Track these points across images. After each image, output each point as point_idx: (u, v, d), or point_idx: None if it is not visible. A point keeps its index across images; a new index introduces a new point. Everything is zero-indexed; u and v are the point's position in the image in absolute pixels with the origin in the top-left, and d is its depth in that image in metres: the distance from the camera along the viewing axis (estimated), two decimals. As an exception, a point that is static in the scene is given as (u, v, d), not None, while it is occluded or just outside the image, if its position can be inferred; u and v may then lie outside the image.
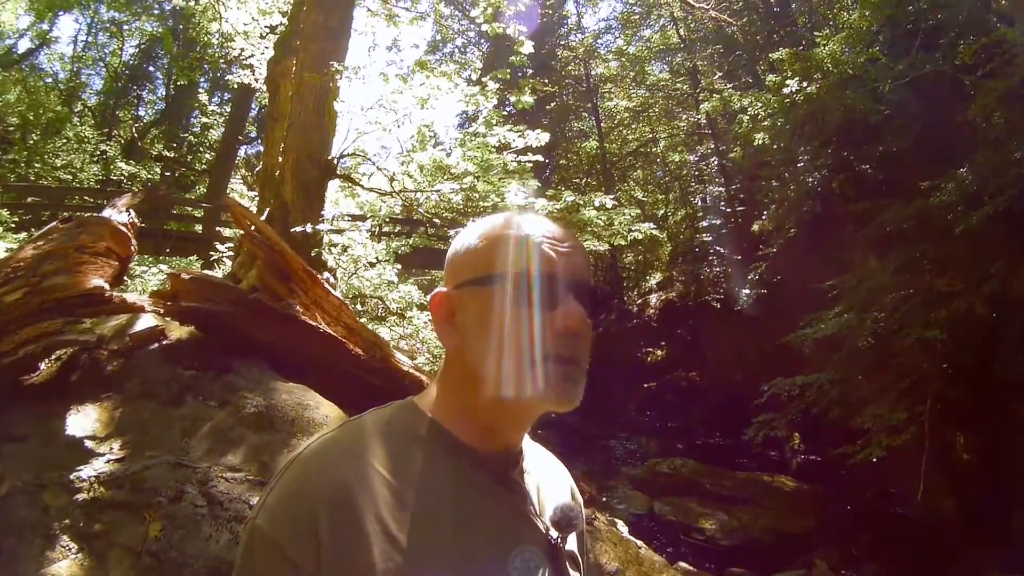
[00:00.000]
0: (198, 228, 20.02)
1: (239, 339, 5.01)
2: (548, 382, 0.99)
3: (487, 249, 1.07)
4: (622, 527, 7.47)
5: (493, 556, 1.00)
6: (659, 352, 22.78)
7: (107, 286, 4.65)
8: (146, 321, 5.02)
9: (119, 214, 5.25)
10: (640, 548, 6.64)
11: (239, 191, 23.68)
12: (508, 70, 9.38)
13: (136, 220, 5.47)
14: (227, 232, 11.89)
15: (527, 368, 0.99)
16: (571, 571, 1.10)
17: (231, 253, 9.12)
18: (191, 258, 14.90)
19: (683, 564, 8.38)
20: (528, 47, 9.52)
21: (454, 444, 1.05)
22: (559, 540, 1.09)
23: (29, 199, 18.69)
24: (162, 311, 4.97)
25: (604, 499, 10.90)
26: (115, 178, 24.62)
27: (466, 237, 1.12)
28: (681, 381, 20.48)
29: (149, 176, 25.84)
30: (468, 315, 1.06)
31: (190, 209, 21.71)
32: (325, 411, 4.54)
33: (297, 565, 0.91)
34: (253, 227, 5.47)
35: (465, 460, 1.05)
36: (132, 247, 5.21)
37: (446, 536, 0.96)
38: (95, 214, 5.52)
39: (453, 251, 1.13)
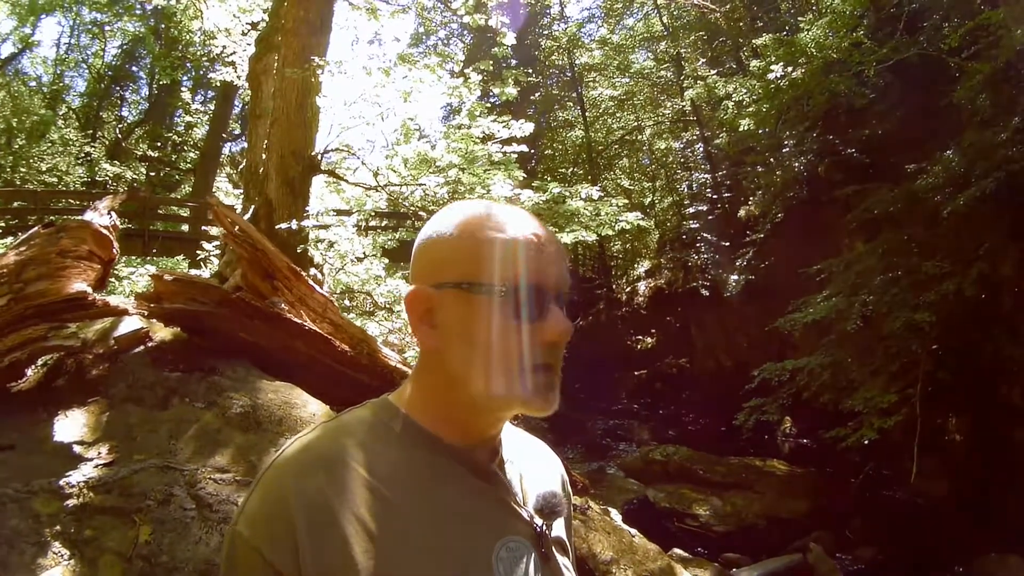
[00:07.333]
0: (185, 228, 19.96)
1: (224, 339, 4.99)
2: (536, 390, 1.00)
3: (472, 250, 1.02)
4: (616, 515, 7.47)
5: (477, 548, 1.00)
6: (648, 340, 22.86)
7: (90, 290, 4.60)
8: (130, 324, 4.99)
9: (100, 217, 5.20)
10: (634, 537, 6.65)
11: (225, 189, 23.67)
12: (491, 62, 9.35)
13: (118, 222, 5.43)
14: (214, 231, 11.85)
15: (514, 377, 0.99)
16: (559, 556, 1.10)
17: (218, 252, 9.10)
18: (178, 258, 14.92)
19: (678, 551, 8.40)
20: (511, 38, 9.51)
21: (431, 440, 1.05)
22: (544, 527, 1.09)
23: (15, 204, 18.66)
24: (146, 313, 4.94)
25: (597, 487, 10.90)
26: (100, 179, 24.63)
27: (440, 225, 1.07)
28: (671, 368, 20.58)
29: (135, 176, 25.85)
30: (450, 318, 1.03)
31: (176, 209, 21.66)
32: (313, 409, 4.53)
33: (277, 570, 0.91)
34: (236, 227, 5.44)
35: (443, 455, 1.05)
36: (114, 250, 5.17)
37: (427, 532, 0.96)
38: (76, 218, 5.49)
39: (426, 239, 1.09)
